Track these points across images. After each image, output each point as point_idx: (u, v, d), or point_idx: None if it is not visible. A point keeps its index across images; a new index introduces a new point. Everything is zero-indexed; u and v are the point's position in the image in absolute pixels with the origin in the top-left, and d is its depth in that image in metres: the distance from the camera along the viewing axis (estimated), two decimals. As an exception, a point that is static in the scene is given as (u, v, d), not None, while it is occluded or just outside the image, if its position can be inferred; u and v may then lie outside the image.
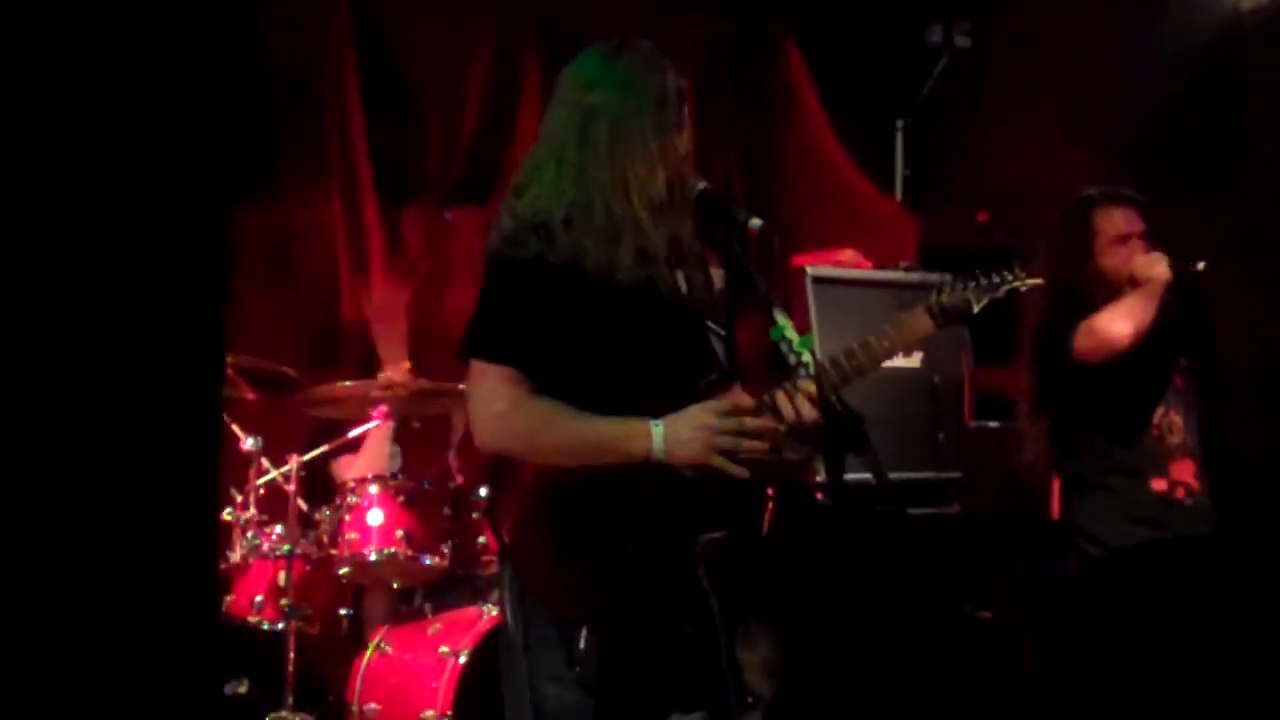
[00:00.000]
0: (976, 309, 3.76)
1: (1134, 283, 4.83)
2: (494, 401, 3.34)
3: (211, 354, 2.83)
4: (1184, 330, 4.94)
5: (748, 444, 3.39)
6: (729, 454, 3.37)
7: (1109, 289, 4.86)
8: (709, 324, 3.55)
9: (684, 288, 3.48)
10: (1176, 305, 4.86)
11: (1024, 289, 3.86)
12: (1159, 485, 4.79)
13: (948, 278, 3.80)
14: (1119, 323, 4.71)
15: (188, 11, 2.72)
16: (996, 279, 3.81)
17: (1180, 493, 4.80)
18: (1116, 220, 4.92)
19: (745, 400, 3.46)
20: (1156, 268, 4.77)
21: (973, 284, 3.78)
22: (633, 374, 3.41)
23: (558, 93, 3.56)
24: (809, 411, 3.39)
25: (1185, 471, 4.84)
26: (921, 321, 3.71)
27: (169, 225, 2.70)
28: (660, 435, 3.34)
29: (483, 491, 5.68)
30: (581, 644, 3.31)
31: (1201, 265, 4.81)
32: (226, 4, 2.78)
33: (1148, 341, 4.77)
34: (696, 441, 3.35)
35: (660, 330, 3.44)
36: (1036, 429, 4.98)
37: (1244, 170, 6.92)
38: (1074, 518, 4.86)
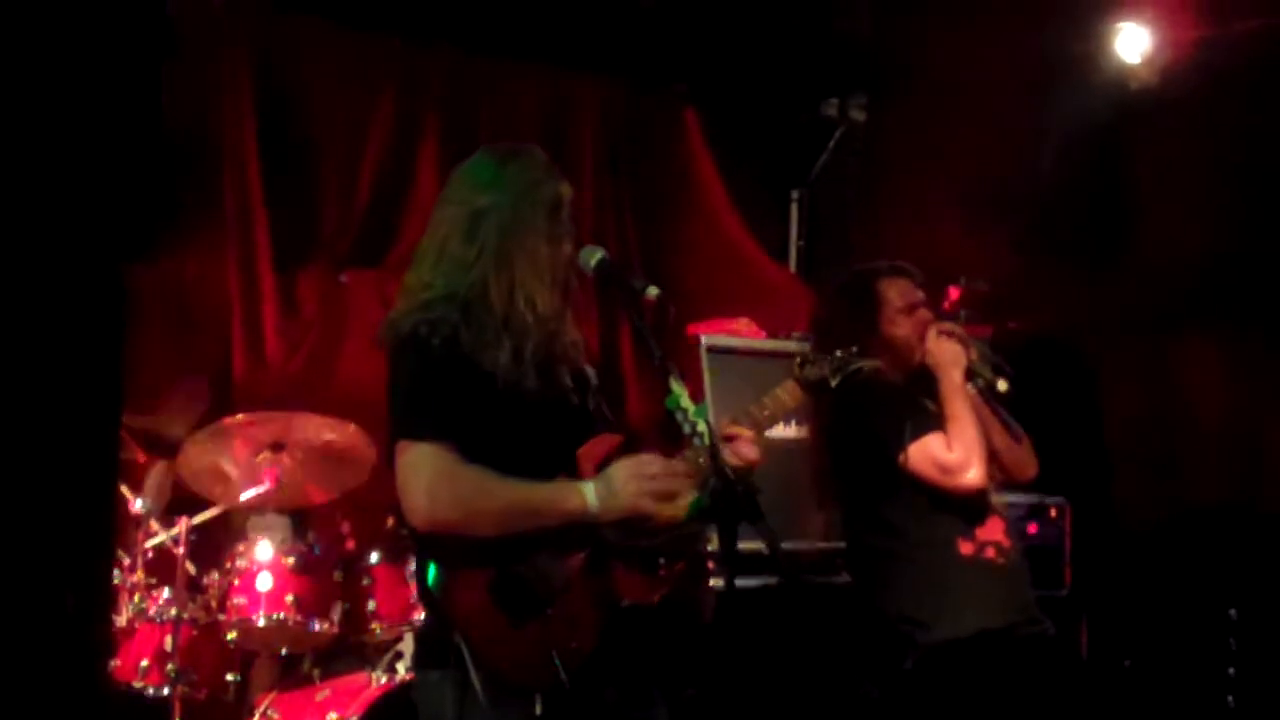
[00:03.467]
0: (834, 383, 3.93)
1: (927, 361, 4.82)
2: (431, 475, 3.39)
3: (107, 413, 2.81)
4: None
5: (674, 486, 3.49)
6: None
7: (896, 358, 4.83)
8: (588, 410, 3.67)
9: (563, 381, 3.61)
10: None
11: (868, 369, 4.03)
12: (966, 549, 4.73)
13: (806, 349, 3.93)
14: (970, 471, 4.65)
15: (92, 72, 2.71)
16: (846, 357, 3.98)
17: (990, 553, 4.77)
18: (902, 290, 4.92)
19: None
20: (949, 358, 4.77)
21: (830, 361, 3.95)
22: (515, 463, 3.47)
23: (448, 190, 3.69)
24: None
25: (994, 530, 4.78)
26: (793, 392, 3.86)
27: (66, 283, 2.68)
28: (592, 492, 3.45)
29: (374, 557, 5.65)
30: (537, 709, 3.38)
31: (1004, 385, 4.82)
32: (130, 67, 2.78)
33: None
34: (627, 492, 3.45)
35: (527, 432, 3.51)
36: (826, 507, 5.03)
37: (1129, 244, 7.07)
38: (887, 597, 4.79)
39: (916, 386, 4.86)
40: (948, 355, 4.79)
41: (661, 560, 3.61)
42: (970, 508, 4.74)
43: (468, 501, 3.40)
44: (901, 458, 4.68)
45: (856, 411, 4.75)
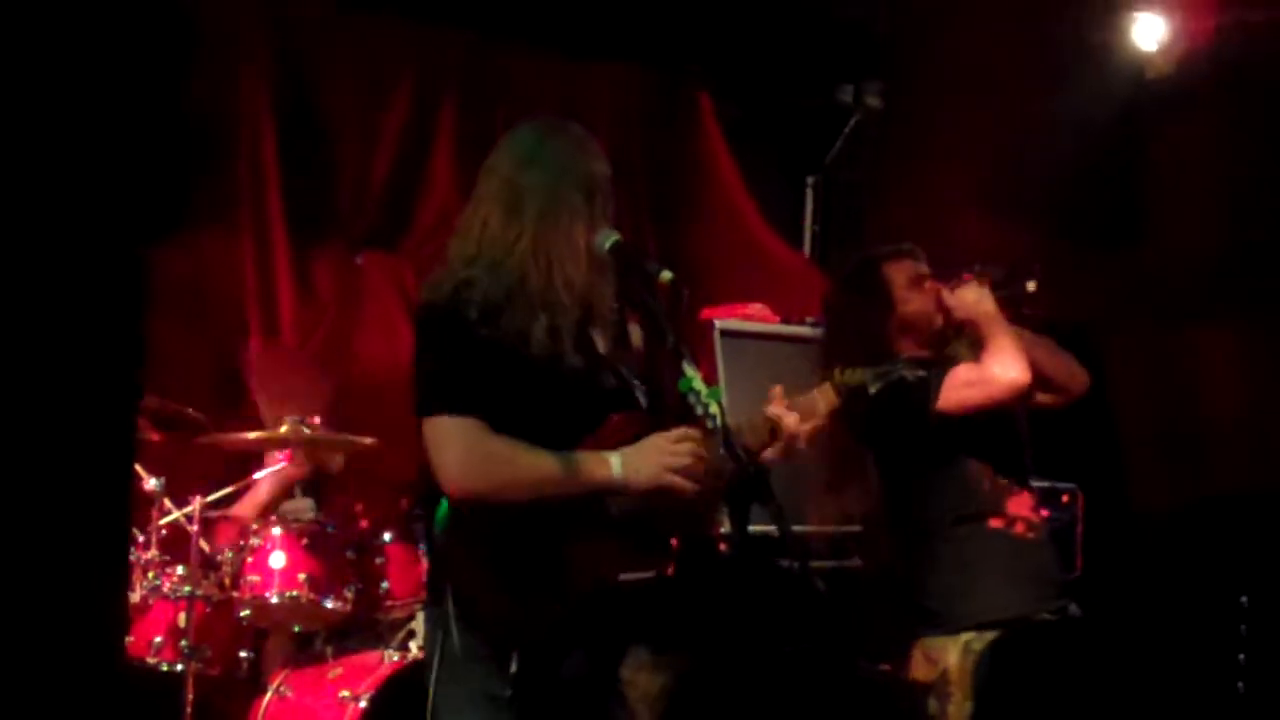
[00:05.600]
0: (872, 390, 4.03)
1: (952, 322, 4.81)
2: (463, 448, 3.45)
3: (126, 395, 2.83)
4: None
5: (696, 461, 3.52)
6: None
7: (918, 334, 4.84)
8: (629, 380, 3.71)
9: (601, 349, 3.66)
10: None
11: (911, 380, 4.15)
12: (996, 524, 4.72)
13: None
14: (1011, 368, 4.60)
15: (113, 56, 2.73)
16: (889, 367, 4.11)
17: (1019, 528, 4.77)
18: (905, 268, 4.89)
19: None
20: (973, 297, 4.73)
21: (875, 369, 4.07)
22: (544, 437, 3.52)
23: (491, 161, 3.71)
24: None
25: (1022, 506, 4.78)
26: (829, 396, 3.93)
27: (87, 266, 2.70)
28: (619, 462, 3.50)
29: (387, 537, 5.69)
30: (513, 666, 3.48)
31: (1032, 285, 4.78)
32: (151, 51, 2.80)
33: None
34: (652, 463, 3.51)
35: (559, 406, 3.56)
36: (866, 483, 5.01)
37: (1144, 232, 7.08)
38: (915, 574, 4.80)
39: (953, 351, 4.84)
40: (970, 296, 4.75)
41: (660, 536, 3.64)
42: (999, 484, 4.74)
43: (498, 472, 3.46)
44: (935, 406, 4.64)
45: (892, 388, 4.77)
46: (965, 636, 4.63)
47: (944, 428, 4.66)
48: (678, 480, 3.52)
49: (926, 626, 4.74)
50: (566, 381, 3.56)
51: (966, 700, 4.60)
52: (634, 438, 3.57)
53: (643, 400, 3.71)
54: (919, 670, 4.74)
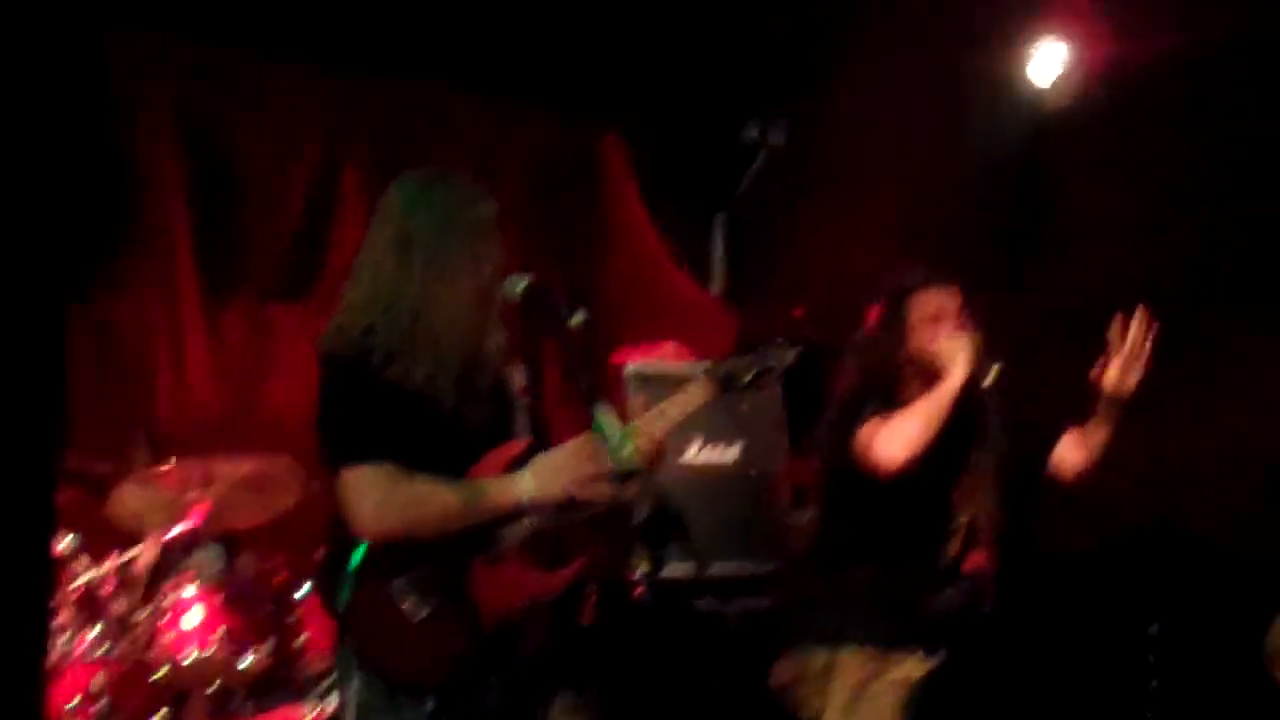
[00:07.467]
0: (746, 378, 4.01)
1: (937, 365, 4.75)
2: (377, 495, 3.52)
3: (48, 456, 2.81)
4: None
5: (604, 471, 3.58)
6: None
7: (920, 372, 4.80)
8: (512, 419, 3.79)
9: (484, 395, 3.72)
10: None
11: (791, 362, 4.09)
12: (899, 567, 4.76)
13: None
14: (893, 443, 4.60)
15: (34, 110, 2.72)
16: (765, 353, 4.08)
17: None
18: (929, 301, 4.85)
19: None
20: (955, 353, 4.68)
21: (745, 357, 4.07)
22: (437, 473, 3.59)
23: (379, 213, 3.78)
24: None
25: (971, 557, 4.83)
26: (703, 387, 3.95)
27: (10, 326, 2.69)
28: (529, 479, 3.59)
29: (304, 589, 5.66)
30: (429, 706, 3.53)
31: (994, 371, 4.71)
32: (69, 106, 2.79)
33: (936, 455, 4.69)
34: (563, 478, 3.59)
35: (442, 445, 3.63)
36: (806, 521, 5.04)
37: (1045, 265, 7.15)
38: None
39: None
40: (949, 352, 4.71)
41: (564, 555, 3.69)
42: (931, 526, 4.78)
43: (413, 511, 3.54)
44: (853, 438, 4.69)
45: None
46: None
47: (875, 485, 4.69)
48: (587, 491, 3.59)
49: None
50: (444, 421, 3.63)
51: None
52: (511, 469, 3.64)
53: (524, 438, 3.76)
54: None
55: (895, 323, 4.88)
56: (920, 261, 5.02)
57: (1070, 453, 4.82)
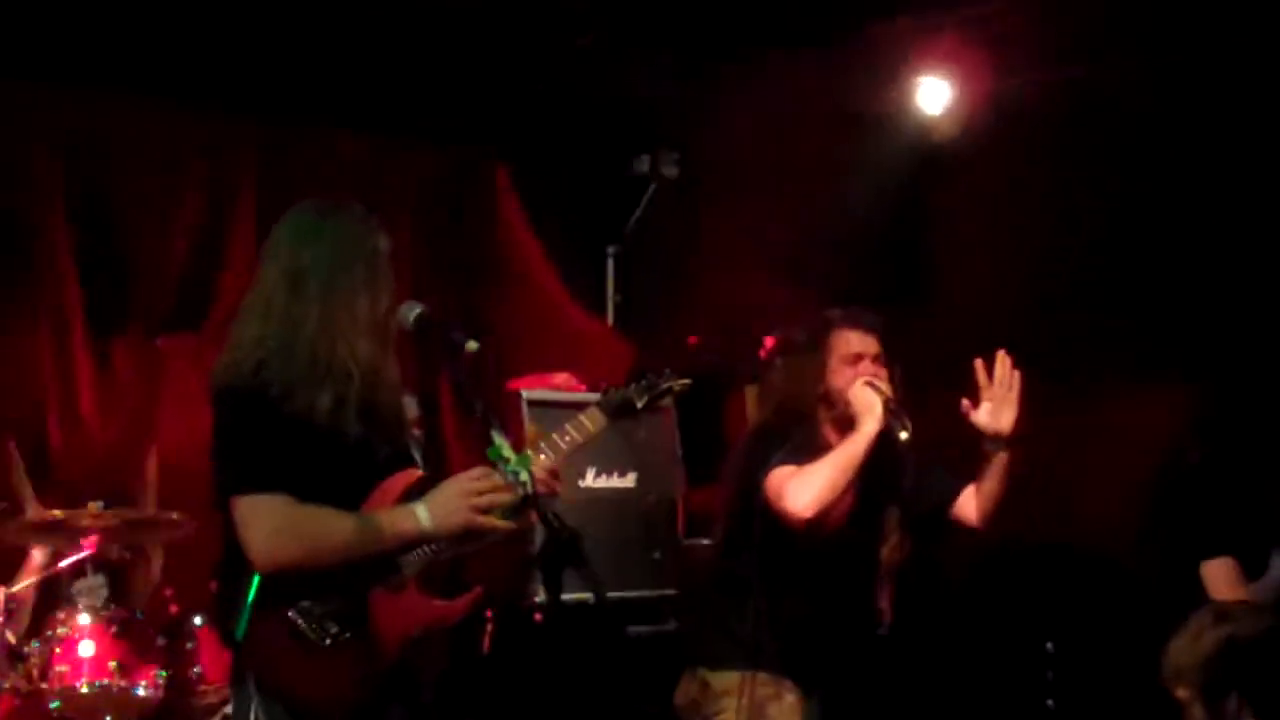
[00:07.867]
0: (639, 405, 4.08)
1: (850, 409, 4.73)
2: (272, 524, 3.50)
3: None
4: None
5: (502, 499, 3.61)
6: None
7: (833, 409, 4.79)
8: (406, 447, 3.80)
9: (381, 425, 3.69)
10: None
11: (678, 390, 4.17)
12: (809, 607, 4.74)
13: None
14: (803, 495, 4.56)
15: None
16: (656, 380, 4.15)
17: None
18: (851, 341, 4.82)
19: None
20: (869, 405, 4.66)
21: (636, 384, 4.12)
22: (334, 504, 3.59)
23: (269, 247, 3.76)
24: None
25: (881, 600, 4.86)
26: (595, 417, 3.98)
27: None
28: (425, 512, 3.58)
29: (197, 620, 5.64)
30: None
31: (904, 434, 4.66)
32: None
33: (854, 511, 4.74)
34: (461, 507, 3.59)
35: (340, 475, 3.61)
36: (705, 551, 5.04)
37: (933, 295, 7.26)
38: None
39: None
40: (862, 403, 4.69)
41: (463, 583, 3.74)
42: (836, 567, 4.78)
43: (309, 541, 3.52)
44: (762, 480, 4.65)
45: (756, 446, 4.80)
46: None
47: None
48: (486, 520, 3.61)
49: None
50: (348, 451, 3.62)
51: None
52: (406, 499, 3.65)
53: (419, 466, 3.77)
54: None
55: (813, 358, 4.86)
56: (849, 303, 5.03)
57: (969, 504, 4.86)
